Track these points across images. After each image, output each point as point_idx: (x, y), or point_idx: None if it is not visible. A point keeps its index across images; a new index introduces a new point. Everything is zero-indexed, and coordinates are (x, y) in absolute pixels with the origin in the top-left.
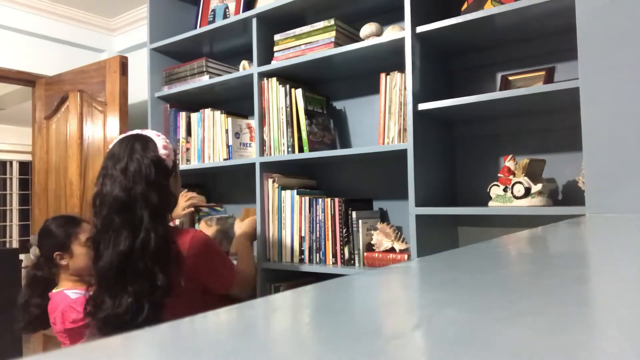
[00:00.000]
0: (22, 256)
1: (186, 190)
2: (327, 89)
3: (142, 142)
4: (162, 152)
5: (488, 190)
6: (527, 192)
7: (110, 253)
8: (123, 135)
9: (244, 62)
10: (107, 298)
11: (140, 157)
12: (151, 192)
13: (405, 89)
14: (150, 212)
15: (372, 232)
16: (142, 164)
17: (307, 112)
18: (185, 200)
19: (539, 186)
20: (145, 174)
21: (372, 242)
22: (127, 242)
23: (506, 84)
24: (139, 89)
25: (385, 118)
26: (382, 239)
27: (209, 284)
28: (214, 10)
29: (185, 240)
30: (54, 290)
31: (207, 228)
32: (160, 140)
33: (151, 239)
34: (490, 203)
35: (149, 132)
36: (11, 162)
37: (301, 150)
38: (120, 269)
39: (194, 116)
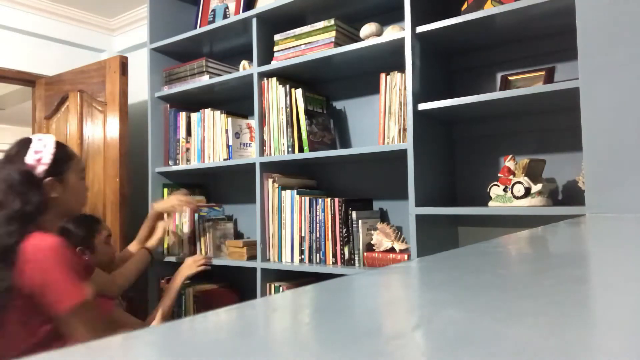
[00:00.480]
0: None
1: (186, 192)
2: (327, 89)
3: (16, 150)
4: (30, 160)
5: (488, 190)
6: (527, 192)
7: None
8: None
9: (244, 62)
10: None
11: (8, 167)
12: (9, 198)
13: (405, 89)
14: (6, 217)
15: (372, 232)
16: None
17: (307, 112)
18: (176, 201)
19: (539, 186)
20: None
21: (372, 242)
22: None
23: (506, 84)
24: (139, 89)
25: (385, 118)
26: (382, 239)
27: (39, 297)
28: (214, 10)
29: (29, 244)
30: None
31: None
32: (36, 145)
33: None
34: (490, 203)
35: (34, 136)
36: None
37: (301, 150)
38: None
39: (194, 116)
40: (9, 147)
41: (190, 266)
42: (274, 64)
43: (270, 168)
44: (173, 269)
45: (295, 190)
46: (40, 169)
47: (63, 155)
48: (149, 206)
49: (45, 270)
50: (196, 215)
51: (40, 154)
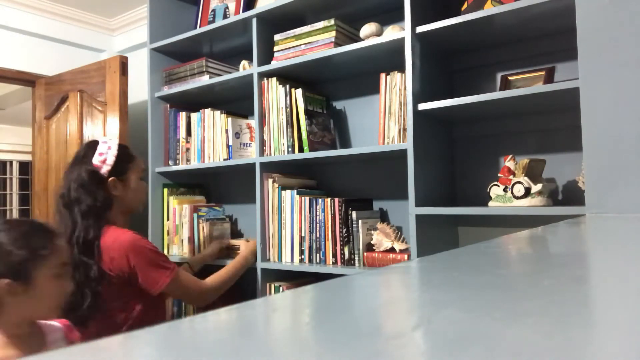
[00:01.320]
0: None
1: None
2: (327, 89)
3: (84, 152)
4: (96, 161)
5: (488, 190)
6: (527, 192)
7: None
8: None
9: (244, 62)
10: None
11: (78, 167)
12: (82, 196)
13: (405, 89)
14: (81, 213)
15: (372, 232)
16: (79, 173)
17: (307, 112)
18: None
19: (539, 186)
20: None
21: (372, 242)
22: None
23: (506, 84)
24: (139, 89)
25: (385, 118)
26: (382, 239)
27: (138, 281)
28: (214, 10)
29: (116, 241)
30: None
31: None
32: (101, 147)
33: (81, 236)
34: (490, 203)
35: (100, 138)
36: (11, 162)
37: (301, 150)
38: None
39: (194, 116)
40: (78, 149)
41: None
42: (274, 64)
43: (270, 168)
44: None
45: (295, 190)
46: (105, 169)
47: (125, 157)
48: (149, 206)
49: (133, 259)
50: (196, 215)
51: (105, 155)
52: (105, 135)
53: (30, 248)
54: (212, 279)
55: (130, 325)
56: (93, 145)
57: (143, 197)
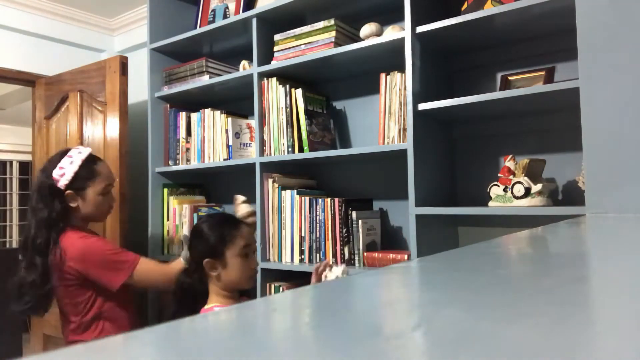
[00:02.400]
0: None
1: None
2: (327, 89)
3: (49, 160)
4: (55, 174)
5: (488, 190)
6: (527, 192)
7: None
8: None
9: (244, 62)
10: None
11: (42, 174)
12: (39, 205)
13: (405, 89)
14: (36, 221)
15: (372, 231)
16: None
17: (307, 112)
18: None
19: (539, 186)
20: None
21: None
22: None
23: (506, 84)
24: (139, 89)
25: (385, 118)
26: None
27: (96, 282)
28: (214, 10)
29: (72, 246)
30: (205, 307)
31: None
32: (64, 162)
33: (31, 241)
34: (490, 203)
35: (71, 150)
36: (11, 162)
37: (301, 150)
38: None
39: (194, 116)
40: (53, 154)
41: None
42: (274, 64)
43: (270, 168)
44: None
45: (295, 190)
46: (62, 183)
47: (86, 173)
48: (149, 206)
49: (85, 265)
50: (196, 215)
51: (64, 170)
52: (105, 134)
53: (221, 234)
54: (178, 261)
55: (96, 314)
56: (60, 156)
57: (103, 211)
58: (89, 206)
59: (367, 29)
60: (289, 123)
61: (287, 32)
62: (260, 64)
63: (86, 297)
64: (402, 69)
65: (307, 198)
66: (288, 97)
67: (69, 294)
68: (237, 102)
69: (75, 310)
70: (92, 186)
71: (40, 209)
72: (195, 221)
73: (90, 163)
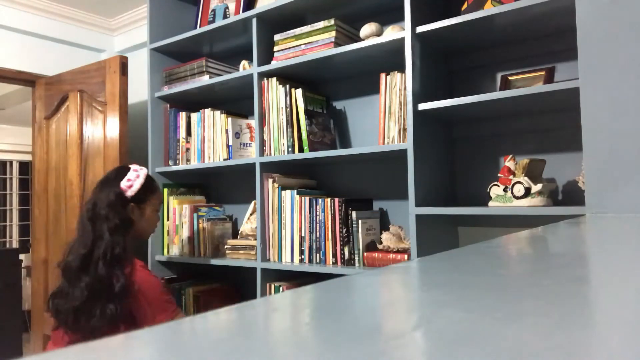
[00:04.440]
0: (22, 256)
1: None
2: (327, 89)
3: (115, 174)
4: (123, 185)
5: (488, 190)
6: (527, 192)
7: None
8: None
9: (244, 62)
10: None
11: (108, 187)
12: (110, 213)
13: (405, 89)
14: (109, 229)
15: (373, 231)
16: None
17: (307, 112)
18: None
19: (539, 186)
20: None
21: (382, 242)
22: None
23: (506, 84)
24: (139, 89)
25: (385, 118)
26: (391, 238)
27: (138, 311)
28: (214, 10)
29: (143, 278)
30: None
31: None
32: (131, 174)
33: (109, 250)
34: (490, 203)
35: (133, 166)
36: (11, 162)
37: (301, 150)
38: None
39: (194, 116)
40: (109, 171)
41: None
42: (274, 64)
43: (270, 168)
44: (174, 269)
45: (295, 190)
46: (129, 194)
47: (148, 188)
48: None
49: (148, 299)
50: (196, 215)
51: (132, 182)
52: (105, 134)
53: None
54: None
55: None
56: (124, 170)
57: (154, 228)
58: (144, 222)
59: (367, 29)
60: (289, 123)
61: (287, 32)
62: (260, 64)
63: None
64: (402, 69)
65: (307, 198)
66: (288, 97)
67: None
68: (237, 102)
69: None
70: (152, 201)
71: (112, 218)
72: (195, 221)
73: (150, 180)
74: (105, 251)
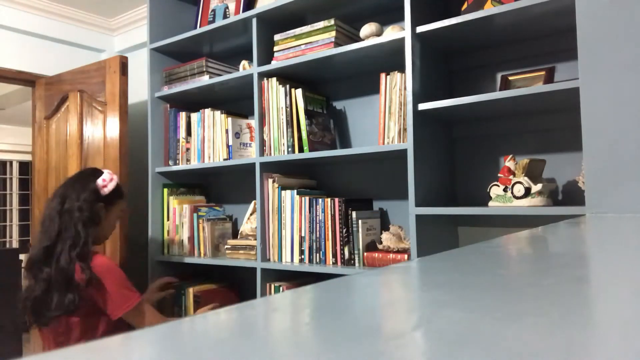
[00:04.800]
0: (22, 256)
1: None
2: (327, 89)
3: (90, 172)
4: (99, 183)
5: (488, 190)
6: (527, 192)
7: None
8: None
9: (244, 62)
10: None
11: (84, 181)
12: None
13: (405, 89)
14: (82, 221)
15: (374, 231)
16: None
17: (307, 112)
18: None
19: (539, 186)
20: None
21: (382, 242)
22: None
23: (506, 84)
24: (139, 89)
25: (385, 118)
26: (391, 238)
27: (100, 304)
28: (214, 10)
29: (94, 259)
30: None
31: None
32: (106, 175)
33: (80, 242)
34: (490, 203)
35: (105, 171)
36: (11, 162)
37: (301, 150)
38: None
39: (194, 116)
40: (82, 169)
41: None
42: (274, 64)
43: (270, 168)
44: (174, 269)
45: (295, 190)
46: (104, 192)
47: (118, 192)
48: (149, 206)
49: (103, 285)
50: (196, 215)
51: (107, 182)
52: (105, 134)
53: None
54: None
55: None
56: (98, 171)
57: (110, 233)
58: (106, 224)
59: (367, 29)
60: (289, 123)
61: (287, 32)
62: (260, 64)
63: (85, 320)
64: (402, 69)
65: (307, 198)
66: (288, 97)
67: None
68: (237, 102)
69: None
70: (118, 205)
71: (86, 210)
72: (195, 221)
73: (120, 186)
74: (72, 243)
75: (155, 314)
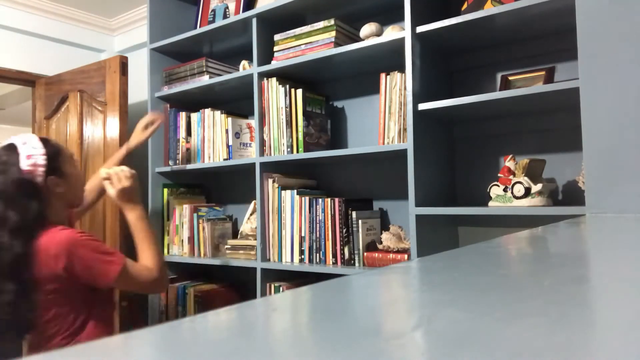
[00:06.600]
0: None
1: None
2: (327, 89)
3: (3, 160)
4: (25, 165)
5: (488, 190)
6: (527, 192)
7: None
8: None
9: (244, 62)
10: None
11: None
12: (9, 212)
13: (405, 89)
14: (9, 231)
15: (374, 231)
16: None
17: (305, 113)
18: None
19: (539, 186)
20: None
21: (382, 242)
22: None
23: (506, 84)
24: (139, 89)
25: (385, 118)
26: (391, 238)
27: (84, 280)
28: (214, 10)
29: (52, 241)
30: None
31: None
32: (25, 150)
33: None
34: (490, 203)
35: (16, 140)
36: None
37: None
38: None
39: (194, 116)
40: None
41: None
42: (274, 64)
43: (270, 168)
44: (174, 269)
45: (295, 190)
46: (39, 172)
47: (52, 151)
48: (149, 206)
49: (75, 255)
50: (196, 215)
51: (34, 158)
52: (105, 134)
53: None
54: (148, 259)
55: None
56: (12, 149)
57: (83, 185)
58: (72, 186)
59: (367, 29)
60: (289, 123)
61: (287, 32)
62: (260, 64)
63: (59, 320)
64: (402, 69)
65: (307, 198)
66: (288, 97)
67: (51, 309)
68: (237, 102)
69: (55, 329)
70: (65, 161)
71: (11, 217)
72: (195, 221)
73: (47, 141)
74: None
75: (138, 264)
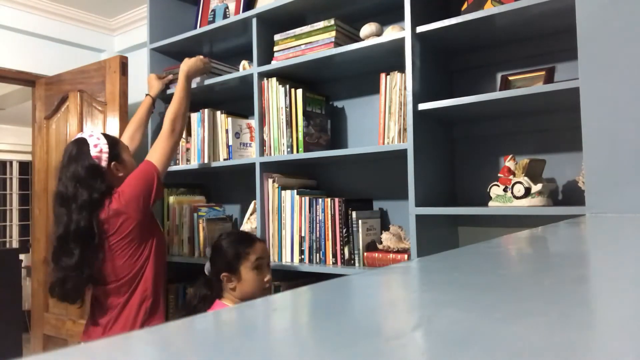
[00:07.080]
0: (22, 256)
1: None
2: (327, 89)
3: (77, 149)
4: (94, 152)
5: (488, 190)
6: (527, 192)
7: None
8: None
9: (244, 62)
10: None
11: (75, 164)
12: (80, 190)
13: (405, 89)
14: (78, 206)
15: (374, 231)
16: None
17: (304, 113)
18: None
19: (539, 186)
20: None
21: (382, 242)
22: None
23: (506, 84)
24: (139, 89)
25: (385, 118)
26: (391, 238)
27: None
28: (214, 10)
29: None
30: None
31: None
32: (92, 140)
33: (72, 228)
34: (490, 203)
35: (83, 134)
36: (11, 162)
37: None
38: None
39: (194, 116)
40: (68, 148)
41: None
42: (274, 64)
43: (270, 168)
44: (173, 269)
45: (295, 190)
46: (104, 158)
47: (112, 142)
48: None
49: (130, 187)
50: (196, 215)
51: (100, 146)
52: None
53: (237, 251)
54: (170, 112)
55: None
56: (82, 141)
57: (134, 168)
58: (129, 170)
59: (367, 29)
60: (289, 123)
61: (287, 32)
62: (260, 64)
63: (138, 244)
64: (402, 69)
65: (307, 198)
66: (288, 97)
67: (124, 247)
68: (237, 102)
69: (127, 264)
70: (123, 150)
71: (80, 195)
72: (195, 221)
73: (106, 135)
74: (69, 230)
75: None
